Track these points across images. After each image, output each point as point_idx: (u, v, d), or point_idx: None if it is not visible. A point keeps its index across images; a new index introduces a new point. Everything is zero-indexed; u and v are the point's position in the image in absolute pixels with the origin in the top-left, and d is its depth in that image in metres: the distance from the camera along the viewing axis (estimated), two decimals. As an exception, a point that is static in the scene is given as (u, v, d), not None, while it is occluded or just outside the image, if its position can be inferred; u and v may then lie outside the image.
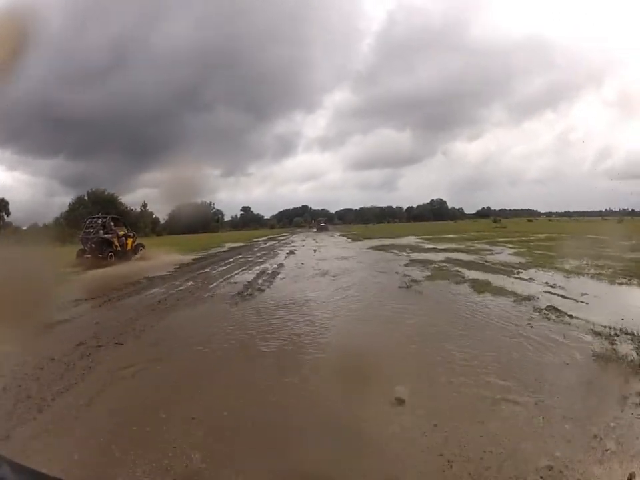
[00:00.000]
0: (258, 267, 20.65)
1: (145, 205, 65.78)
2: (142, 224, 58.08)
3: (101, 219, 23.02)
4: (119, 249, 22.22)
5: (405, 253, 24.19)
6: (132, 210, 61.77)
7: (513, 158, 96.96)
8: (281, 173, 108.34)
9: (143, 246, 24.61)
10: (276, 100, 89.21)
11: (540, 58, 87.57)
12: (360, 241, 38.13)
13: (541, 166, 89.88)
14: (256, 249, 33.12)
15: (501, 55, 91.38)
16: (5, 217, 52.55)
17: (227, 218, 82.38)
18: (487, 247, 26.35)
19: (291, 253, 28.02)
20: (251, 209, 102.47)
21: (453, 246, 27.89)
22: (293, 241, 42.25)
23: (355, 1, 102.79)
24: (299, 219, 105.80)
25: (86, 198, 59.26)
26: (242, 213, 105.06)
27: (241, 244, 39.73)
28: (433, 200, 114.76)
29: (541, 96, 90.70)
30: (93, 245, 21.15)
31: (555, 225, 55.85)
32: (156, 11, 73.99)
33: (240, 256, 27.24)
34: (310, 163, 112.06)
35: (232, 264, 22.27)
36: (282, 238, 50.67)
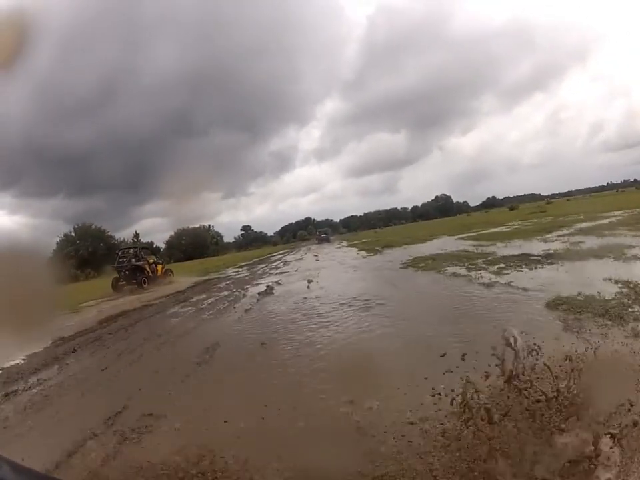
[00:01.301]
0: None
1: (136, 236, 57.14)
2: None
3: (132, 249, 24.45)
4: (150, 274, 22.91)
5: (501, 276, 10.98)
6: (122, 241, 55.08)
7: (508, 145, 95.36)
8: (281, 188, 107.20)
9: (171, 271, 25.59)
10: (269, 117, 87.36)
11: (522, 41, 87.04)
12: (378, 253, 24.80)
13: (537, 149, 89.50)
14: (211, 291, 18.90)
15: (484, 43, 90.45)
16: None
17: (229, 239, 79.53)
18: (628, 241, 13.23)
19: (267, 292, 14.51)
20: (252, 228, 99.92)
21: (555, 247, 14.82)
22: (286, 262, 29.18)
23: (335, 9, 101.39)
24: (303, 232, 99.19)
25: (73, 234, 56.64)
26: (242, 232, 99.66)
27: (204, 277, 26.01)
28: (437, 196, 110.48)
29: (529, 79, 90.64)
30: (126, 273, 22.14)
31: (593, 202, 46.07)
32: (140, 41, 69.68)
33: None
34: (309, 175, 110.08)
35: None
36: (276, 257, 38.13)
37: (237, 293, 15.70)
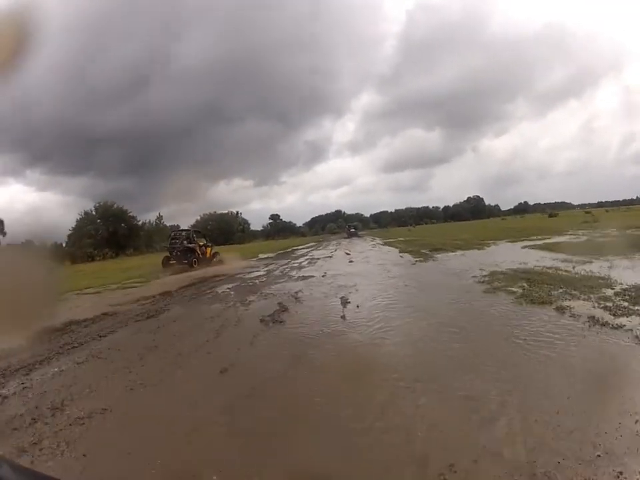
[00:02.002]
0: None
1: (160, 218, 60.33)
2: (157, 237, 54.08)
3: (184, 232, 25.06)
4: (200, 256, 23.56)
5: None
6: (144, 224, 59.33)
7: (539, 151, 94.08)
8: (312, 179, 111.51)
9: (218, 253, 26.08)
10: (304, 107, 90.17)
11: (558, 48, 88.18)
12: (430, 259, 18.40)
13: (568, 157, 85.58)
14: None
15: (520, 47, 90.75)
16: (1, 236, 45.82)
17: (257, 227, 77.90)
18: None
19: (276, 318, 8.47)
20: (280, 217, 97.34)
21: None
22: (312, 260, 23.73)
23: (375, 4, 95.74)
24: (333, 224, 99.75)
25: (94, 212, 55.56)
26: (270, 221, 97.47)
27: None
28: (469, 197, 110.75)
29: (563, 85, 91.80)
30: (178, 253, 22.89)
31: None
32: (177, 28, 70.14)
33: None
34: (341, 168, 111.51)
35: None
36: (302, 251, 32.68)
37: (228, 313, 9.85)
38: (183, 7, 67.50)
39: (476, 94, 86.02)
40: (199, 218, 63.12)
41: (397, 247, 27.14)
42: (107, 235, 53.93)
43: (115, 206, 56.87)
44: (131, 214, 57.52)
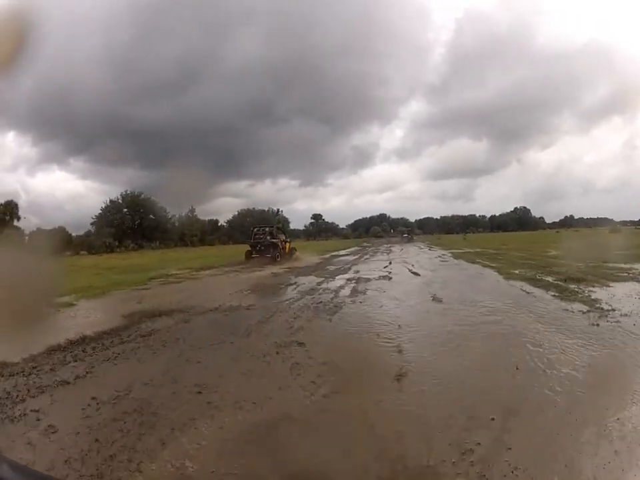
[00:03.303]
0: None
1: (192, 210, 52.09)
2: (187, 231, 50.94)
3: (268, 228, 25.50)
4: (282, 251, 23.52)
5: None
6: (174, 216, 52.11)
7: (583, 166, 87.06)
8: (358, 183, 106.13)
9: (295, 249, 25.87)
10: (352, 112, 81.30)
11: (604, 63, 70.01)
12: (607, 308, 8.33)
13: (611, 174, 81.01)
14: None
15: (568, 61, 76.22)
16: (15, 220, 43.88)
17: (300, 226, 74.55)
18: None
19: None
20: (323, 217, 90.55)
21: None
22: (359, 280, 14.35)
23: (423, 12, 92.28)
24: (377, 228, 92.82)
25: (120, 201, 51.02)
26: (312, 221, 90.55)
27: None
28: (516, 208, 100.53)
29: (607, 101, 71.16)
30: (262, 248, 22.99)
31: None
32: (225, 27, 64.35)
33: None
34: (387, 173, 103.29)
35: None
36: (342, 261, 23.31)
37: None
38: (238, 5, 64.75)
39: (523, 106, 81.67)
40: (236, 213, 60.76)
41: (482, 264, 17.64)
42: (132, 225, 49.22)
43: (143, 196, 51.15)
44: (160, 205, 50.79)
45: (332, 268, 19.25)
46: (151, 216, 50.18)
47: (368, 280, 13.97)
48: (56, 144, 61.42)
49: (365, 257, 26.73)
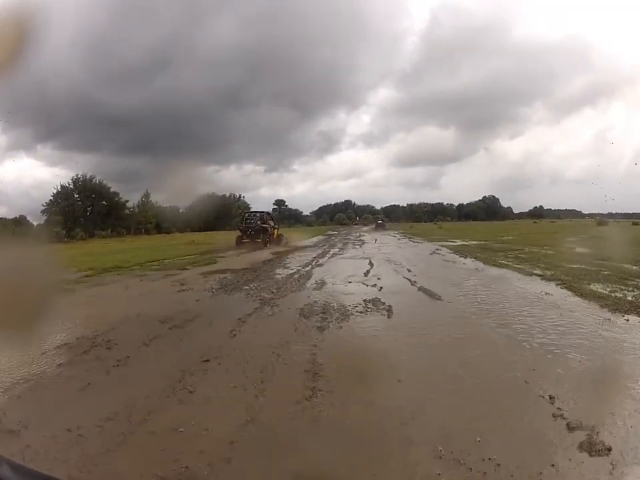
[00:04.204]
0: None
1: (146, 196, 50.26)
2: (142, 217, 47.74)
3: (258, 213, 25.65)
4: (271, 237, 23.52)
5: None
6: (127, 201, 49.62)
7: (553, 157, 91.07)
8: (324, 169, 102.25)
9: (282, 235, 25.83)
10: (320, 97, 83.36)
11: (578, 58, 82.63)
12: None
13: (581, 165, 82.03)
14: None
15: (542, 54, 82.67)
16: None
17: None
18: None
19: None
20: (286, 203, 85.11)
21: None
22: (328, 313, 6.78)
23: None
24: (342, 215, 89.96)
25: (71, 187, 47.15)
26: (275, 207, 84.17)
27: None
28: (485, 197, 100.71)
29: (580, 94, 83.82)
30: (253, 232, 22.86)
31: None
32: (200, 13, 64.92)
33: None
34: (353, 159, 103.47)
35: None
36: (298, 263, 15.99)
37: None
38: None
39: (494, 96, 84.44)
40: (194, 198, 53.23)
41: (526, 272, 10.65)
42: (81, 213, 45.93)
43: (95, 180, 47.54)
44: (111, 190, 48.30)
45: (281, 275, 11.97)
46: (103, 202, 47.09)
47: (344, 315, 6.61)
48: (24, 131, 59.33)
49: (333, 251, 19.58)
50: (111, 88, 58.77)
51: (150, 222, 47.85)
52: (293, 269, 12.57)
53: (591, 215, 66.36)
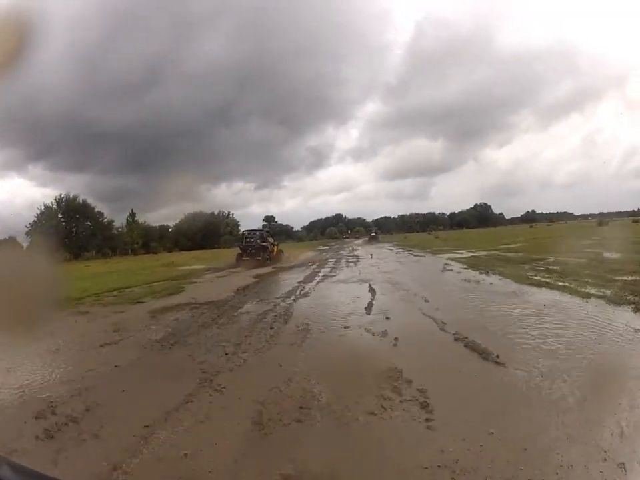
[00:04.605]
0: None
1: (132, 215, 48.67)
2: (128, 237, 46.59)
3: (258, 232, 24.94)
4: (270, 254, 23.36)
5: None
6: (112, 222, 47.80)
7: (542, 162, 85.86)
8: (313, 184, 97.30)
9: (282, 251, 25.69)
10: (308, 113, 78.06)
11: (564, 63, 75.13)
12: None
13: (570, 169, 79.67)
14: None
15: (528, 61, 74.90)
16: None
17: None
18: None
19: None
20: (276, 219, 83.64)
21: None
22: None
23: (384, 13, 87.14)
24: (333, 229, 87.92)
25: (54, 207, 45.43)
26: (264, 223, 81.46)
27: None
28: (476, 204, 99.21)
29: (566, 100, 77.34)
30: (253, 251, 22.61)
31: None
32: (189, 29, 61.30)
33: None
34: (343, 174, 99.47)
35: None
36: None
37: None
38: (197, 8, 61.12)
39: (481, 106, 79.89)
40: (183, 217, 54.21)
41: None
42: (65, 234, 43.77)
43: (78, 200, 45.77)
44: (96, 210, 46.82)
45: (251, 314, 8.88)
46: (87, 222, 45.80)
47: (340, 433, 3.40)
48: (15, 151, 57.16)
49: (324, 272, 16.49)
50: (100, 105, 56.76)
51: (136, 242, 46.42)
52: (269, 302, 9.46)
53: (583, 216, 69.97)
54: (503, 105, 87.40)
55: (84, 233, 45.55)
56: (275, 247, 24.60)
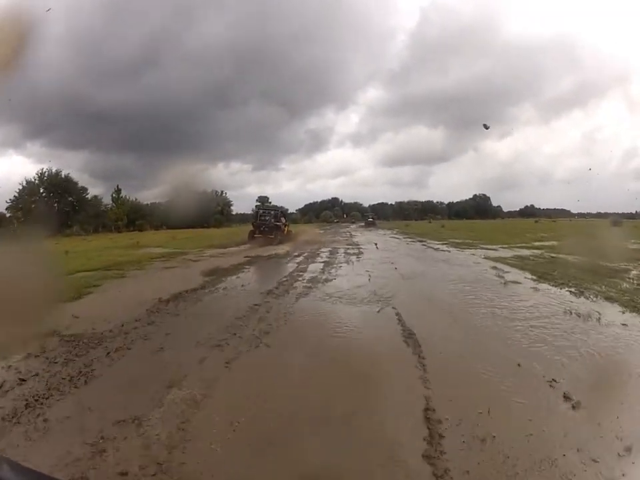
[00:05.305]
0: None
1: (118, 191, 47.23)
2: (111, 214, 44.21)
3: (273, 211, 24.75)
4: (282, 233, 23.48)
5: None
6: (95, 197, 46.19)
7: (541, 157, 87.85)
8: (312, 168, 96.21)
9: (291, 231, 25.75)
10: (309, 96, 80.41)
11: (568, 57, 75.71)
12: None
13: (570, 166, 74.53)
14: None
15: (532, 54, 77.94)
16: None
17: (249, 211, 62.09)
18: None
19: None
20: (270, 200, 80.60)
21: None
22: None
23: None
24: (328, 212, 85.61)
25: (37, 181, 43.10)
26: (258, 204, 77.86)
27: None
28: (476, 195, 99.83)
29: (569, 95, 78.50)
30: (266, 229, 22.71)
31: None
32: (190, 10, 60.87)
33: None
34: (342, 158, 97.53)
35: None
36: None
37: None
38: None
39: (483, 96, 79.32)
40: (174, 194, 47.64)
41: None
42: (46, 209, 41.91)
43: (61, 175, 44.07)
44: (80, 185, 45.09)
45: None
46: (70, 198, 43.89)
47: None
48: (13, 127, 55.44)
49: (314, 268, 11.51)
50: (99, 85, 56.50)
51: (120, 219, 44.11)
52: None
53: (580, 215, 65.20)
54: (505, 96, 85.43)
55: (66, 209, 43.47)
56: (287, 227, 24.71)
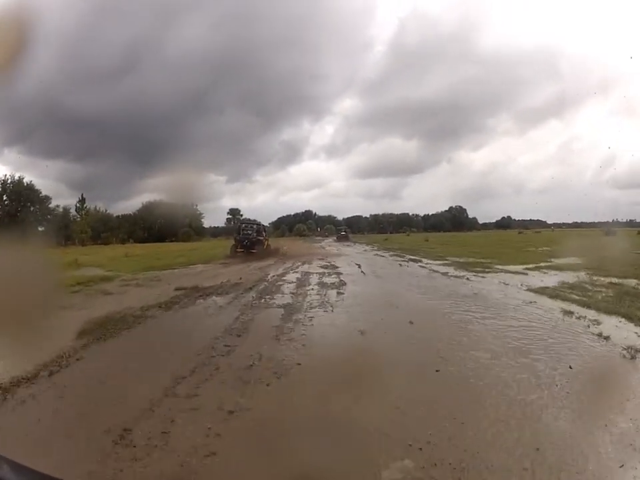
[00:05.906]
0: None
1: (82, 201, 44.08)
2: (76, 227, 41.73)
3: (255, 225, 24.96)
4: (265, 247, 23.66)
5: None
6: (58, 207, 43.23)
7: (517, 167, 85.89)
8: (286, 180, 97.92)
9: (270, 245, 25.65)
10: (284, 105, 79.24)
11: (546, 68, 74.04)
12: None
13: (545, 176, 72.66)
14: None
15: (509, 64, 75.38)
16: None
17: (222, 224, 67.46)
18: None
19: None
20: (241, 213, 77.45)
21: None
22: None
23: (368, 7, 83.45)
24: (302, 225, 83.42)
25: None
26: (229, 217, 75.06)
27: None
28: (451, 207, 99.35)
29: (546, 105, 75.44)
30: (249, 244, 22.68)
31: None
32: (168, 16, 56.44)
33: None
34: (315, 170, 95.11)
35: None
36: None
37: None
38: None
39: (459, 106, 77.98)
40: (140, 206, 49.58)
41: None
42: (6, 218, 40.94)
43: (24, 182, 42.40)
44: (42, 194, 43.01)
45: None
46: (32, 208, 42.27)
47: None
48: None
49: (279, 303, 7.23)
50: (77, 91, 53.45)
51: (84, 232, 42.06)
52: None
53: (557, 225, 66.39)
54: (482, 107, 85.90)
55: (27, 219, 41.53)
56: (267, 241, 24.81)
